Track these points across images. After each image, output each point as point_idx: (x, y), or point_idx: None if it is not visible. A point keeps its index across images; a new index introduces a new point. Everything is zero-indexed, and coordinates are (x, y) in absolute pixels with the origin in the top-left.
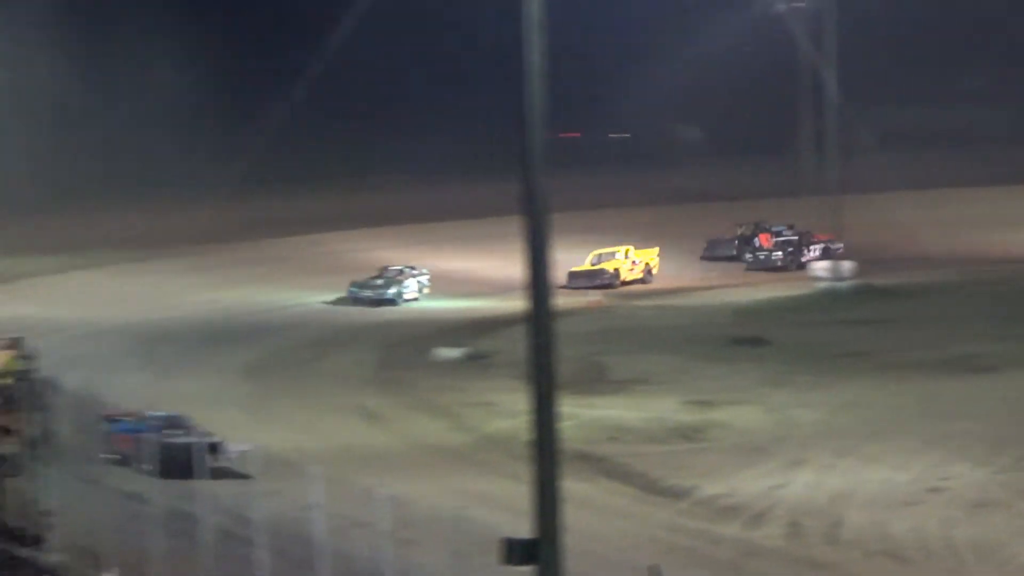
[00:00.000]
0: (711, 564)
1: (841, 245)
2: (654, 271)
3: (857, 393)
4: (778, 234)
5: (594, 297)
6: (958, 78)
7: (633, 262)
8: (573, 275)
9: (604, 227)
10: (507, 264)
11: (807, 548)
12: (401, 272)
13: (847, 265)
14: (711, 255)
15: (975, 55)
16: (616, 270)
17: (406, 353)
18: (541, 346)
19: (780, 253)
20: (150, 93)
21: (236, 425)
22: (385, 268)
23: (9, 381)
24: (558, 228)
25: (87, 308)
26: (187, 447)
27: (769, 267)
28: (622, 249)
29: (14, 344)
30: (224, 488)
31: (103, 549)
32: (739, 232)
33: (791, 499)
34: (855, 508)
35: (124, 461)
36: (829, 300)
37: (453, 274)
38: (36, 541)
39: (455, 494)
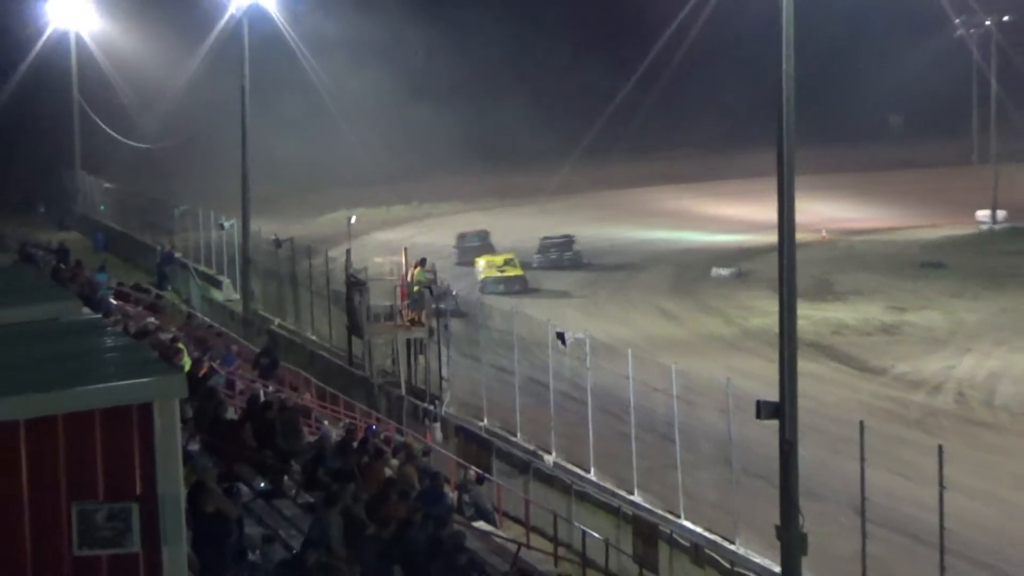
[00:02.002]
0: (903, 421)
1: None
2: None
3: (1010, 302)
4: None
5: (824, 233)
6: None
7: None
8: None
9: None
10: (764, 210)
11: (970, 411)
12: None
13: (1001, 213)
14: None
15: None
16: None
17: (693, 272)
18: (786, 267)
19: None
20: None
21: (575, 319)
22: None
23: (417, 289)
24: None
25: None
26: None
27: None
28: None
29: (422, 262)
30: (565, 363)
31: (481, 405)
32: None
33: (959, 376)
34: (1005, 382)
35: None
36: (990, 238)
37: (727, 216)
38: (435, 399)
39: (724, 369)
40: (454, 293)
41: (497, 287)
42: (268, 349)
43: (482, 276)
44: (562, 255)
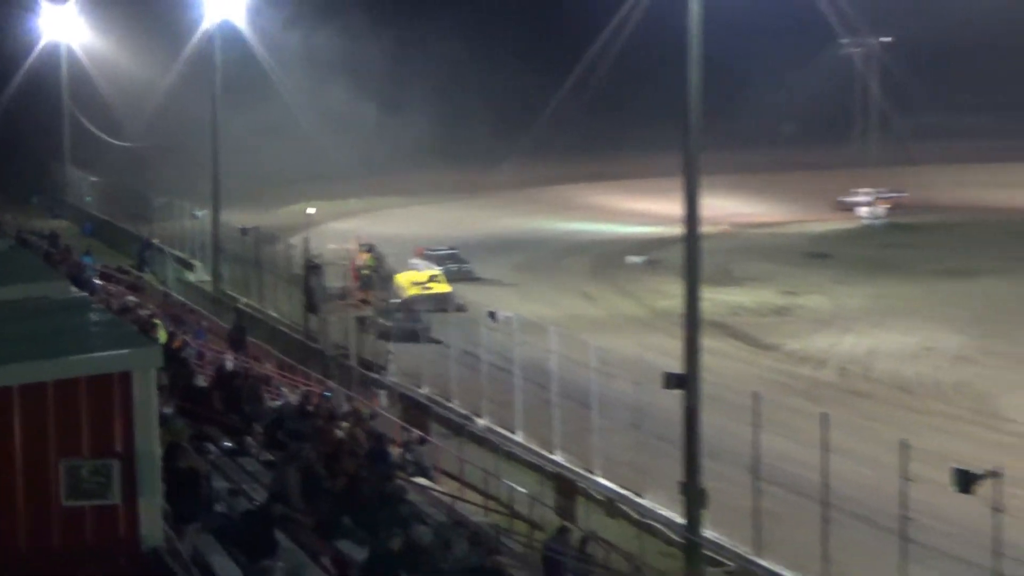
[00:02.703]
0: (792, 391)
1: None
2: None
3: (886, 288)
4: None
5: (726, 226)
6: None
7: None
8: None
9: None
10: (674, 205)
11: (850, 383)
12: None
13: (881, 209)
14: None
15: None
16: None
17: (610, 259)
18: (691, 255)
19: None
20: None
21: (507, 300)
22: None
23: (366, 272)
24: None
25: (416, 228)
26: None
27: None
28: None
29: (371, 248)
30: (496, 338)
31: (421, 374)
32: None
33: (841, 353)
34: (881, 358)
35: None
36: (870, 232)
37: (642, 211)
38: (381, 369)
39: (636, 345)
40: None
41: (426, 305)
42: (238, 325)
43: (408, 294)
44: (461, 267)
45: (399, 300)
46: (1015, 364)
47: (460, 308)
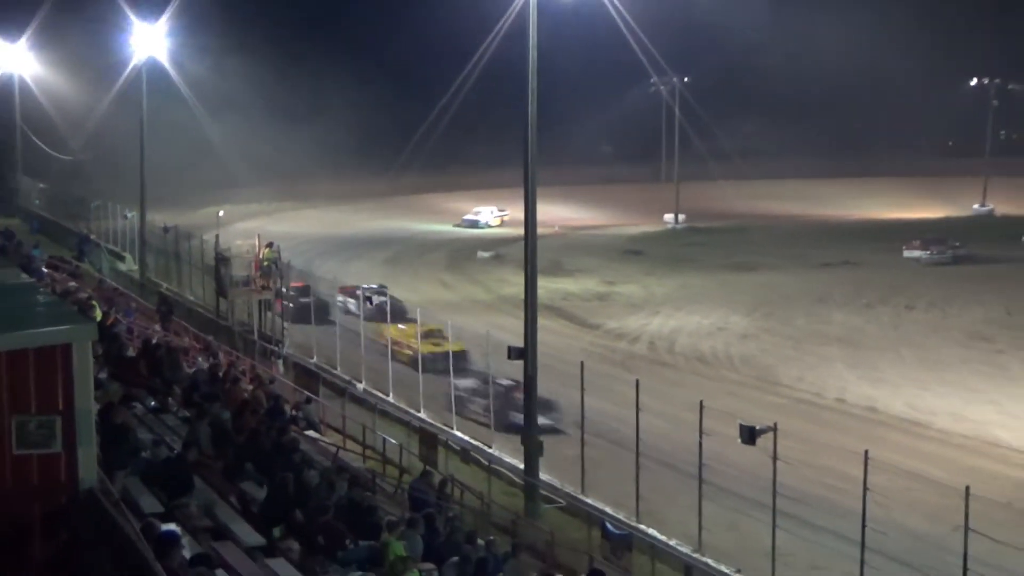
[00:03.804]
0: (611, 361)
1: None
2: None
3: (686, 279)
4: None
5: (557, 228)
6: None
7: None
8: None
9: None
10: (517, 210)
11: (658, 355)
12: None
13: (682, 216)
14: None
15: None
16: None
17: (464, 254)
18: (529, 251)
19: None
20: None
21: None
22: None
23: (266, 264)
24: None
25: (306, 227)
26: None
27: None
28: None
29: (270, 245)
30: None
31: (312, 347)
32: None
33: (651, 331)
34: (683, 336)
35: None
36: (673, 234)
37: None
38: (279, 342)
39: (486, 324)
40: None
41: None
42: (165, 299)
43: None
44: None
45: (409, 353)
46: (788, 341)
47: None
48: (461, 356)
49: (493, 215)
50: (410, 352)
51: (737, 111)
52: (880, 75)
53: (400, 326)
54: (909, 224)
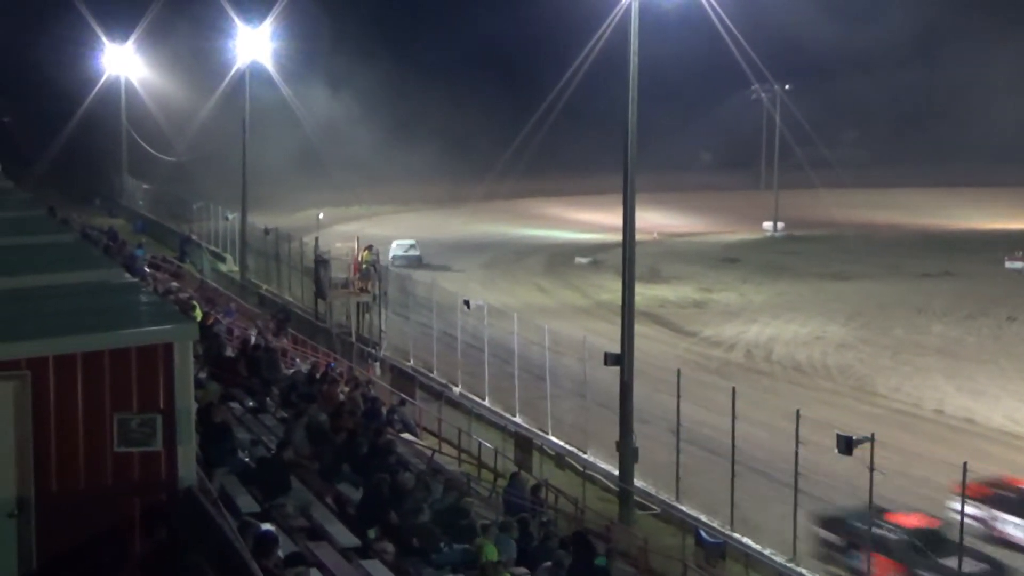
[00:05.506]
0: (707, 369)
1: None
2: None
3: (784, 287)
4: None
5: (655, 234)
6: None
7: None
8: None
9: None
10: (615, 217)
11: (755, 363)
12: None
13: (780, 224)
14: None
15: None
16: None
17: (561, 259)
18: (628, 257)
19: None
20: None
21: (476, 291)
22: None
23: (365, 266)
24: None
25: (407, 231)
26: None
27: None
28: None
29: (370, 247)
30: (469, 322)
31: (409, 350)
32: None
33: (747, 339)
34: (779, 344)
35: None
36: (771, 242)
37: (589, 221)
38: (376, 345)
39: (582, 329)
40: None
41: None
42: (283, 308)
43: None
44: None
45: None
46: (886, 351)
47: None
48: None
49: None
50: None
51: (837, 119)
52: (982, 84)
53: None
54: (1011, 235)
